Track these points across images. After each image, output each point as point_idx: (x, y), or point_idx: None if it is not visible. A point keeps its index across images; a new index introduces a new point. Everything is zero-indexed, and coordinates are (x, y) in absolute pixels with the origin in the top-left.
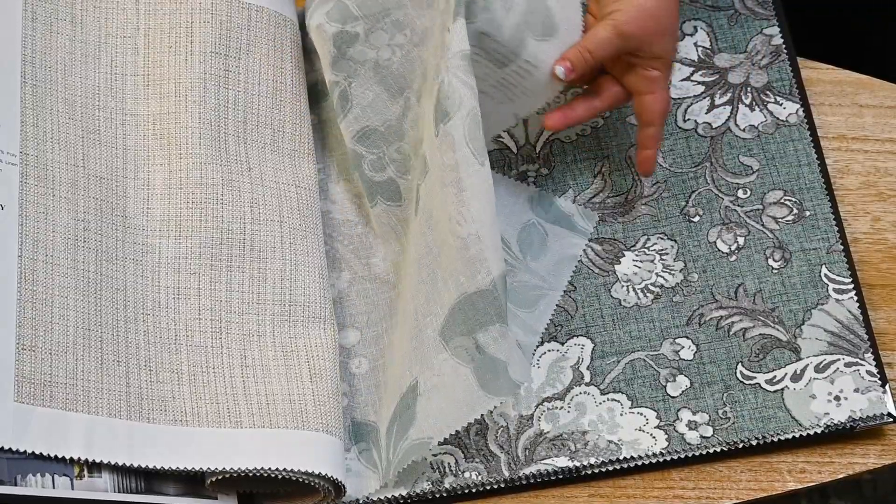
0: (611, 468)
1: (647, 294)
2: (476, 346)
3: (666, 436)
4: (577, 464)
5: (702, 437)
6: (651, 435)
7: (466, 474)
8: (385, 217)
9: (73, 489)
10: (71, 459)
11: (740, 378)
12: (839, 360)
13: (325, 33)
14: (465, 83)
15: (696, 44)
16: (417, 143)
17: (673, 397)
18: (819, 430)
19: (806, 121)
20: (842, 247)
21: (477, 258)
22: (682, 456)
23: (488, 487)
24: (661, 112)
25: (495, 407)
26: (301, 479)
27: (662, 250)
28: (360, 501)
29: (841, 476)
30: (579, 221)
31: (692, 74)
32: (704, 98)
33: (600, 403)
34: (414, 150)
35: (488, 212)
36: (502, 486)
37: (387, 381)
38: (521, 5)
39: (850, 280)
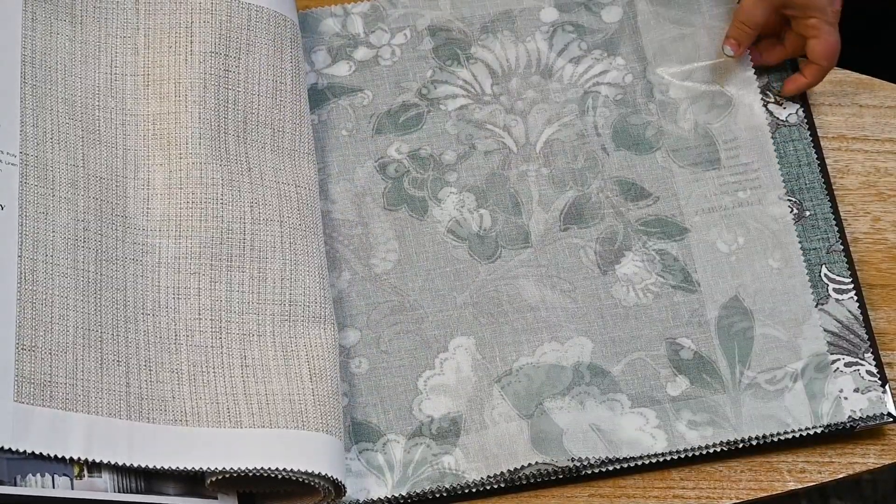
0: (611, 468)
1: (647, 294)
2: (538, 406)
3: (666, 436)
4: (577, 464)
5: (702, 437)
6: (651, 435)
7: (466, 474)
8: (396, 222)
9: (72, 489)
10: (71, 459)
11: (738, 386)
12: (839, 359)
13: (426, 62)
14: (615, 209)
15: None
16: (473, 189)
17: (673, 397)
18: (819, 430)
19: (806, 121)
20: (842, 247)
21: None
22: (682, 456)
23: (488, 487)
24: (825, 52)
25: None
26: (301, 479)
27: (662, 250)
28: (361, 502)
29: (841, 476)
30: None
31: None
32: (705, 98)
33: (600, 403)
34: (460, 190)
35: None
36: (502, 485)
37: (391, 384)
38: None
39: (850, 280)
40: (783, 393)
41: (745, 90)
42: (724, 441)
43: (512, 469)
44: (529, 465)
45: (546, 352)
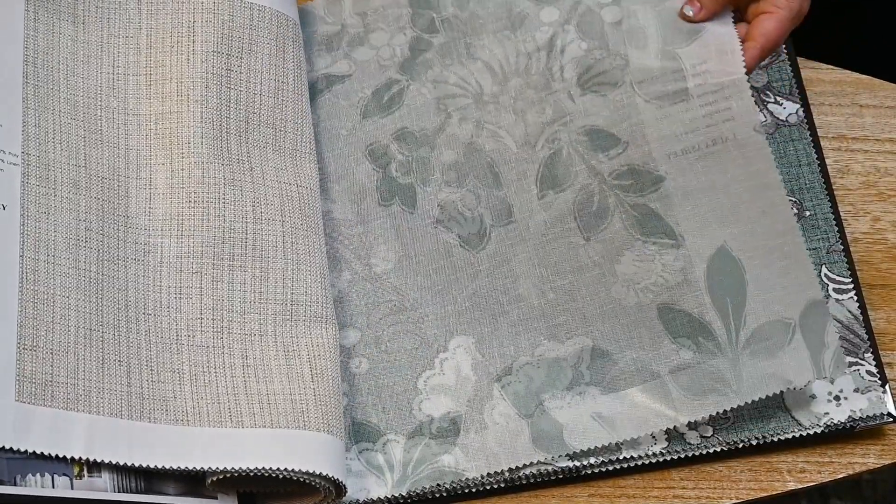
0: (611, 468)
1: (647, 294)
2: (537, 404)
3: (666, 436)
4: (577, 464)
5: (702, 436)
6: (651, 435)
7: (466, 474)
8: (393, 219)
9: (72, 489)
10: (72, 459)
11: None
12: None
13: (404, 33)
14: (587, 164)
15: None
16: (454, 167)
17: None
18: (819, 430)
19: (806, 121)
20: (842, 247)
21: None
22: (682, 456)
23: (488, 487)
24: (766, 31)
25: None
26: (302, 479)
27: (662, 250)
28: (360, 501)
29: (841, 476)
30: None
31: None
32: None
33: (601, 403)
34: (444, 169)
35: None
36: (502, 485)
37: (391, 384)
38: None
39: (849, 280)
40: (783, 393)
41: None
42: (724, 441)
43: (512, 468)
44: (530, 464)
45: (546, 350)
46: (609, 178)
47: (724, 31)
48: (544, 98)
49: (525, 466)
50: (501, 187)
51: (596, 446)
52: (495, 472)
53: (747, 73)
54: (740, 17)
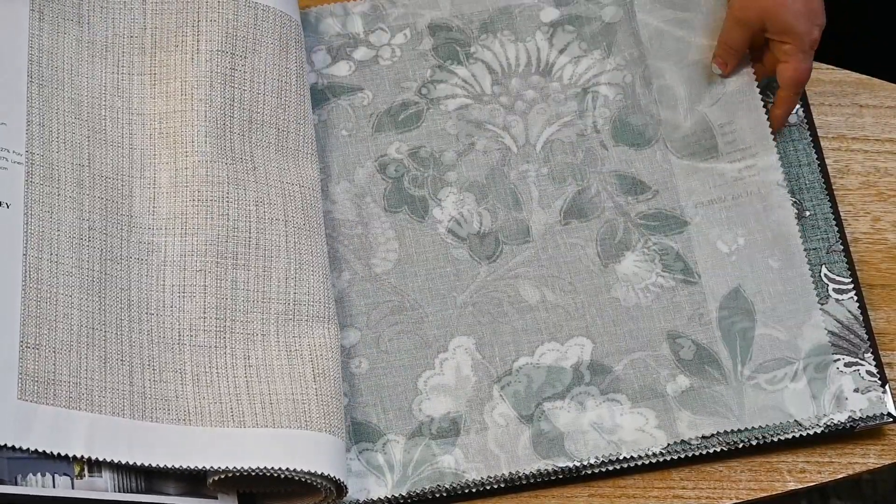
0: (611, 468)
1: (647, 294)
2: (537, 410)
3: (666, 436)
4: (577, 464)
5: (702, 437)
6: (651, 435)
7: (466, 474)
8: (396, 223)
9: (73, 488)
10: (74, 458)
11: (740, 378)
12: (839, 360)
13: (425, 60)
14: (615, 202)
15: None
16: (474, 186)
17: (673, 397)
18: (819, 430)
19: (806, 121)
20: (842, 247)
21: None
22: (682, 456)
23: (488, 487)
24: (792, 79)
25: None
26: (303, 479)
27: (662, 250)
28: (361, 501)
29: (841, 476)
30: None
31: None
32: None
33: (600, 403)
34: (461, 187)
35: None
36: (502, 485)
37: (391, 384)
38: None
39: (849, 280)
40: (783, 393)
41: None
42: (724, 441)
43: (513, 471)
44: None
45: (546, 351)
46: (635, 217)
47: (745, 86)
48: (576, 144)
49: (522, 464)
50: (521, 211)
51: (597, 457)
52: (495, 472)
53: (777, 127)
54: (758, 56)
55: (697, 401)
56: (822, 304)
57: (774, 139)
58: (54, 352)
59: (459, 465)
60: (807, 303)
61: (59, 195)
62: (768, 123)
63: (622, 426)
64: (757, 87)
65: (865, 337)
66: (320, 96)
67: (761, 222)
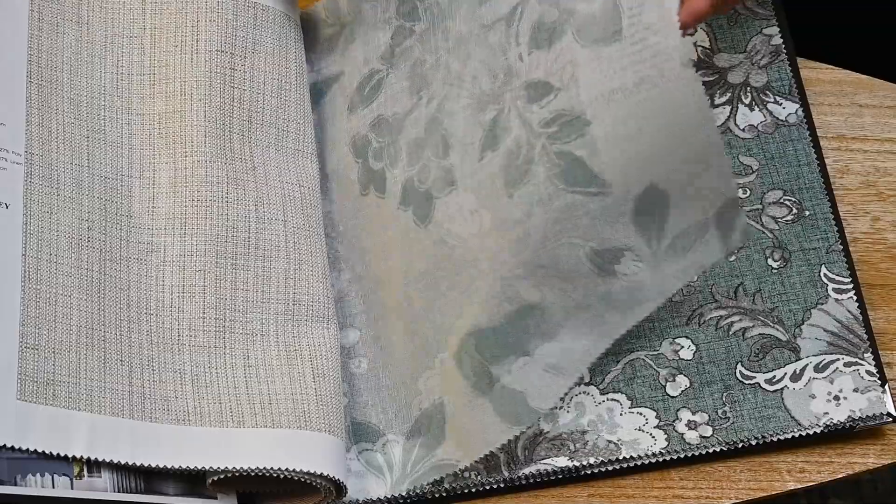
0: (610, 468)
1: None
2: (490, 380)
3: (665, 436)
4: (577, 464)
5: (701, 437)
6: (651, 435)
7: (466, 474)
8: (373, 208)
9: (72, 489)
10: (73, 458)
11: (740, 378)
12: (839, 359)
13: (389, 25)
14: (521, 118)
15: (695, 43)
16: (415, 143)
17: (672, 397)
18: (819, 430)
19: (805, 121)
20: (841, 247)
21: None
22: (682, 456)
23: (488, 487)
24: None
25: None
26: (303, 480)
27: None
28: (360, 501)
29: (841, 476)
30: None
31: None
32: None
33: (600, 403)
34: (408, 148)
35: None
36: (502, 485)
37: (391, 384)
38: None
39: (849, 280)
40: (783, 393)
41: (744, 90)
42: (724, 441)
43: (513, 472)
44: (524, 460)
45: (546, 352)
46: (537, 127)
47: None
48: (500, 64)
49: (521, 465)
50: (449, 157)
51: (561, 398)
52: (494, 472)
53: (685, 19)
54: None
55: (623, 300)
56: (822, 304)
57: (678, 17)
58: (53, 352)
59: (450, 454)
60: (806, 303)
61: (58, 195)
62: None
63: (621, 426)
64: (762, 99)
65: (865, 337)
66: (320, 96)
67: (669, 116)
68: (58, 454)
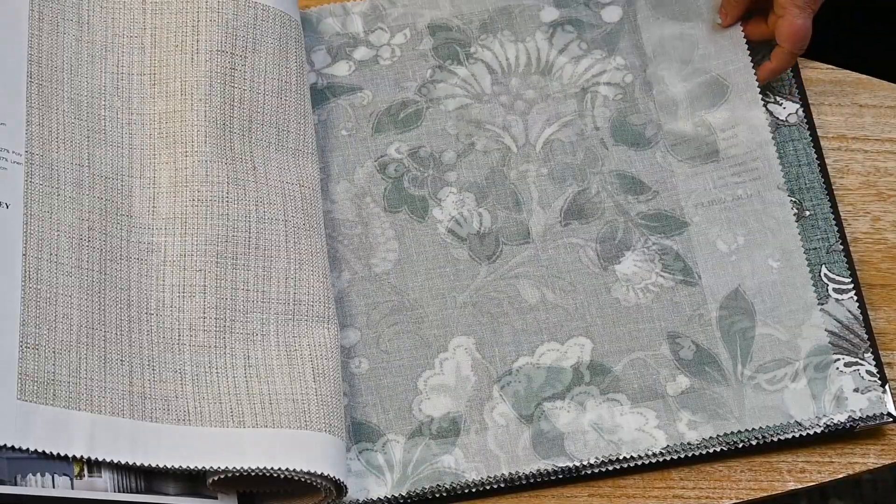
0: (611, 468)
1: (647, 294)
2: (538, 408)
3: (666, 436)
4: (577, 464)
5: (702, 437)
6: (651, 435)
7: (466, 474)
8: (396, 223)
9: (72, 489)
10: (73, 458)
11: (740, 378)
12: (839, 359)
13: (426, 60)
14: (615, 202)
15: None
16: (475, 187)
17: (673, 397)
18: (819, 430)
19: (806, 121)
20: (842, 247)
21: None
22: (682, 456)
23: (488, 487)
24: (789, 34)
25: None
26: (303, 479)
27: (662, 250)
28: (360, 501)
29: (841, 476)
30: None
31: None
32: (704, 93)
33: (600, 403)
34: (460, 187)
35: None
36: (502, 485)
37: (391, 384)
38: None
39: (849, 280)
40: (783, 393)
41: (745, 89)
42: (724, 441)
43: (513, 471)
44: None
45: (546, 351)
46: (636, 217)
47: (746, 87)
48: (576, 143)
49: (521, 465)
50: (521, 211)
51: (596, 457)
52: (494, 472)
53: (763, 79)
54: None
55: (697, 401)
56: (822, 304)
57: (774, 141)
58: (54, 352)
59: (459, 464)
60: (807, 303)
61: (58, 195)
62: (769, 128)
63: (622, 426)
64: (758, 89)
65: (865, 337)
66: (320, 96)
67: (761, 222)
68: (58, 454)
